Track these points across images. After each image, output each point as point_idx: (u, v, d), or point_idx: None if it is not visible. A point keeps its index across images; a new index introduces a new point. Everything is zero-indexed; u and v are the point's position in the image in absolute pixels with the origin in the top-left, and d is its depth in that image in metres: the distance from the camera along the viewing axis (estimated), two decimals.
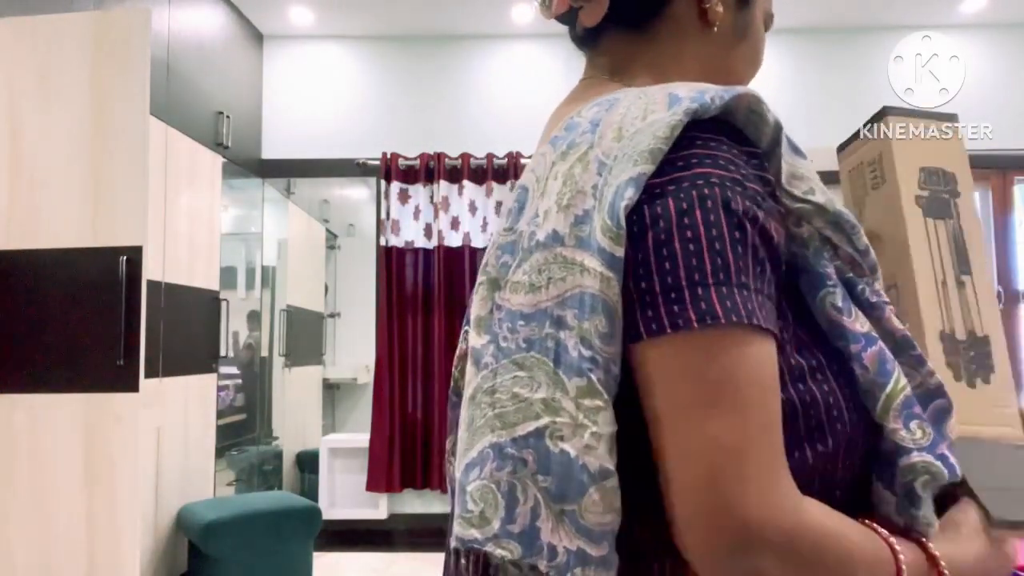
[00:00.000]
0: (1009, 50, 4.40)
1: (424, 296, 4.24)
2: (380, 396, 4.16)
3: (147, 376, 2.49)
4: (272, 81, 4.51)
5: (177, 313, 3.16)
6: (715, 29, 0.66)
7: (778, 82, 4.36)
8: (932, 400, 0.58)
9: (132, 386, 2.37)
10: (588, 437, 0.50)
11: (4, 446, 2.39)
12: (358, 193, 5.24)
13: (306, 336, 4.89)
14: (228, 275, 3.83)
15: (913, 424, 0.55)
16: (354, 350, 5.02)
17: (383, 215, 4.24)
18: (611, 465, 0.50)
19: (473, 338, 0.59)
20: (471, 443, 0.56)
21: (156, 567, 3.00)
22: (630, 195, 0.50)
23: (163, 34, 3.34)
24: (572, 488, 0.50)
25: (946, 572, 0.53)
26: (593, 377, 0.51)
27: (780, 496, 0.47)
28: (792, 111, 4.34)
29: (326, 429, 4.97)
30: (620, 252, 0.51)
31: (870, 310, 0.58)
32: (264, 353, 4.55)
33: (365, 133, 4.45)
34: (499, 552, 0.53)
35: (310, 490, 4.49)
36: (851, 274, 0.58)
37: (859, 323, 0.56)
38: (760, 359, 0.49)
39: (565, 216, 0.54)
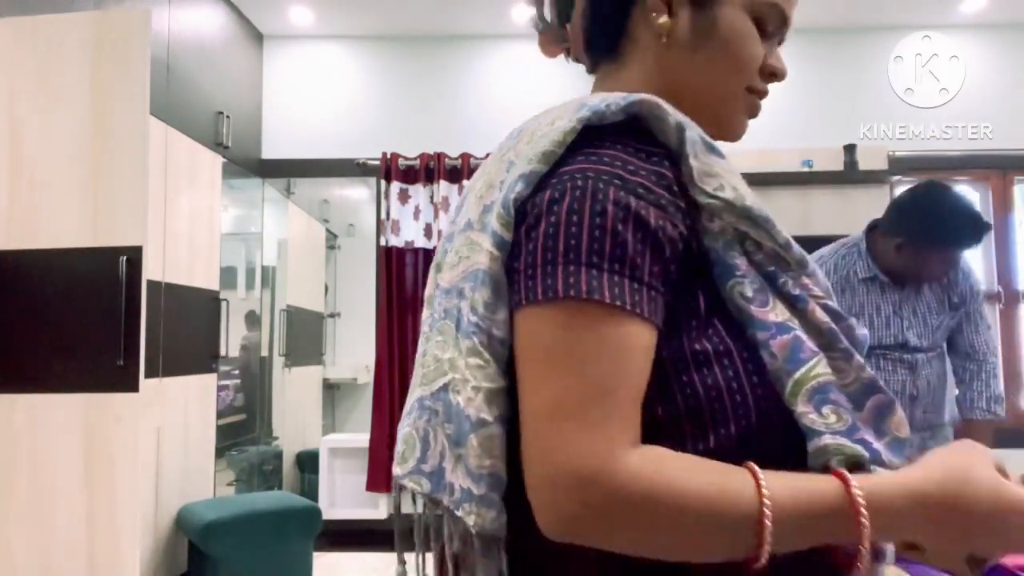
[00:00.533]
0: (1009, 50, 4.40)
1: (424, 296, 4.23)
2: (380, 396, 4.16)
3: (147, 376, 2.49)
4: (272, 81, 4.51)
5: (177, 313, 3.16)
6: (663, 40, 0.69)
7: (780, 82, 4.36)
8: (870, 395, 0.60)
9: (132, 386, 2.37)
10: (470, 390, 0.58)
11: (4, 446, 2.39)
12: (358, 193, 5.24)
13: (306, 336, 4.89)
14: (228, 275, 3.83)
15: (826, 409, 0.57)
16: (354, 350, 5.02)
17: (383, 215, 4.24)
18: (489, 416, 0.57)
19: (424, 314, 0.70)
20: (409, 398, 0.67)
21: (156, 567, 3.00)
22: (519, 189, 0.58)
23: (163, 34, 3.34)
24: (462, 434, 0.59)
25: (858, 497, 0.52)
26: (476, 340, 0.58)
27: (604, 453, 0.51)
28: (792, 111, 4.34)
29: (326, 429, 4.97)
30: (508, 236, 0.58)
31: (794, 303, 0.60)
32: (264, 353, 4.55)
33: (365, 133, 4.45)
34: (412, 486, 0.63)
35: (310, 490, 4.49)
36: (773, 268, 0.61)
37: (774, 313, 0.59)
38: (600, 331, 0.53)
39: (477, 206, 0.64)
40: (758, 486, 0.52)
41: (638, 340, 0.54)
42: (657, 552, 0.54)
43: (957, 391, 2.09)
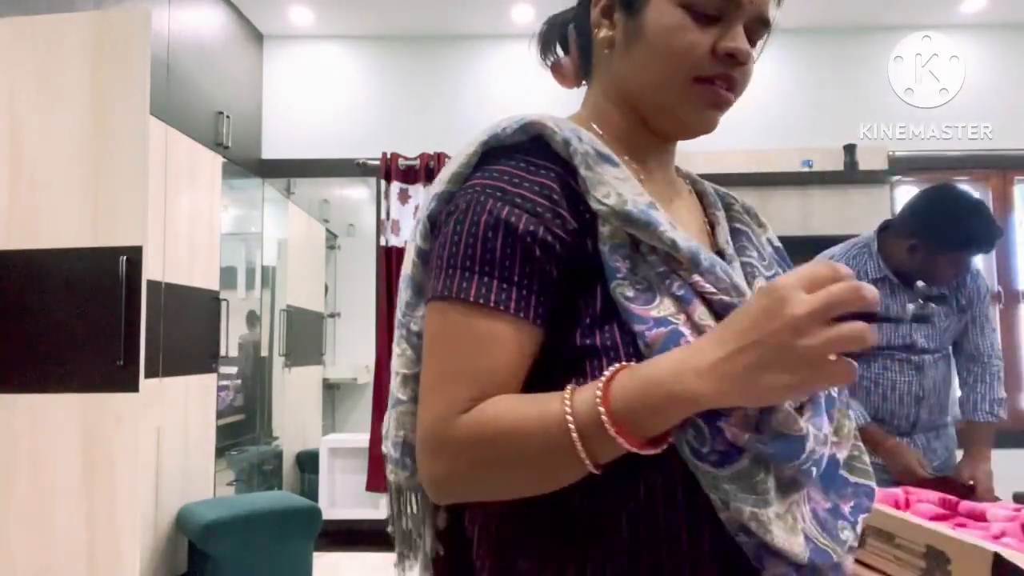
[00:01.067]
0: (1009, 50, 4.40)
1: None
2: (380, 396, 4.15)
3: (147, 376, 2.49)
4: (272, 81, 4.51)
5: (177, 313, 3.16)
6: (607, 52, 0.74)
7: (779, 82, 4.36)
8: None
9: (132, 386, 2.37)
10: (394, 376, 0.73)
11: (4, 446, 2.39)
12: (358, 193, 5.24)
13: (306, 336, 4.89)
14: (228, 275, 3.83)
15: None
16: (354, 350, 5.02)
17: (383, 215, 4.24)
18: (403, 396, 0.73)
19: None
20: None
21: (156, 567, 3.00)
22: (432, 206, 0.70)
23: (163, 34, 3.34)
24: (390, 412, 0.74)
25: (599, 389, 0.57)
26: (399, 333, 0.73)
27: (449, 416, 0.61)
28: (792, 111, 4.34)
29: (326, 429, 4.97)
30: (426, 246, 0.70)
31: (679, 301, 0.64)
32: (264, 353, 4.55)
33: (365, 133, 4.45)
34: (384, 450, 0.76)
35: (310, 490, 4.49)
36: (664, 268, 0.64)
37: (657, 311, 0.62)
38: (465, 323, 0.63)
39: (415, 223, 0.74)
40: (563, 398, 0.58)
41: (497, 330, 0.62)
42: (507, 484, 0.62)
43: (960, 392, 2.10)
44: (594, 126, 0.76)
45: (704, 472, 0.59)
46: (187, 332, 3.27)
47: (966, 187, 4.33)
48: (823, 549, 0.63)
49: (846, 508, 0.69)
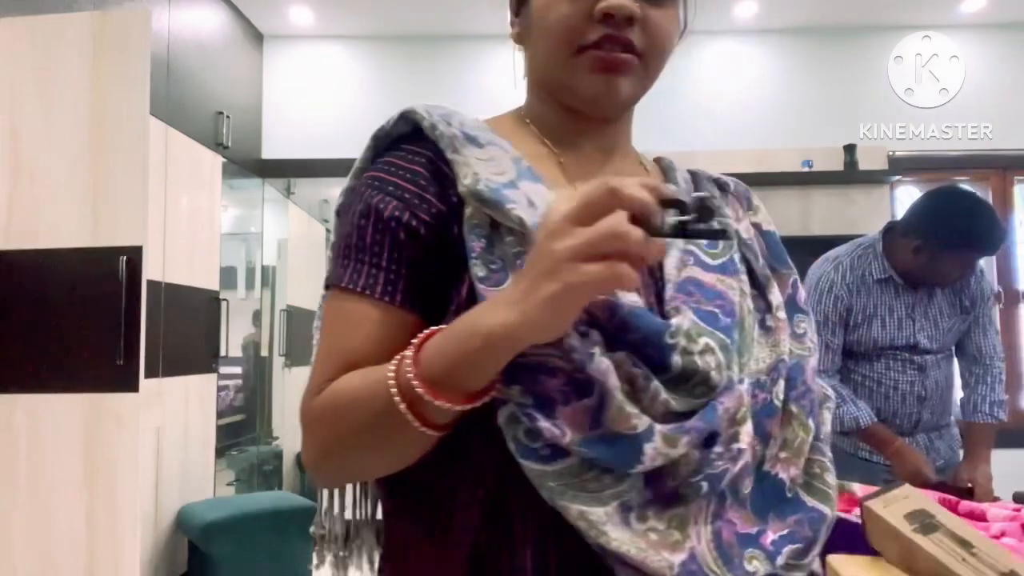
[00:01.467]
0: (1009, 50, 4.39)
1: None
2: None
3: (147, 376, 2.49)
4: (272, 81, 4.51)
5: (177, 313, 3.16)
6: (520, 48, 0.76)
7: (779, 82, 4.36)
8: (589, 385, 0.59)
9: (132, 386, 2.37)
10: None
11: (4, 446, 2.39)
12: None
13: (306, 336, 4.85)
14: (228, 275, 3.82)
15: (515, 387, 0.60)
16: None
17: None
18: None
19: None
20: None
21: (156, 567, 3.00)
22: (339, 200, 0.74)
23: (163, 34, 3.34)
24: None
25: (409, 354, 0.57)
26: (315, 323, 0.76)
27: (311, 395, 0.64)
28: (792, 111, 4.34)
29: None
30: (334, 238, 0.72)
31: None
32: (264, 353, 4.55)
33: (365, 133, 4.38)
34: None
35: (310, 490, 4.49)
36: (518, 248, 0.62)
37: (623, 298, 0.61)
38: (337, 308, 0.66)
39: None
40: (389, 365, 0.58)
41: (364, 313, 0.64)
42: (363, 458, 0.63)
43: (961, 392, 2.10)
44: (527, 121, 0.76)
45: (529, 469, 0.58)
46: (187, 332, 3.27)
47: (969, 188, 4.35)
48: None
49: (772, 535, 0.62)
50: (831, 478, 0.68)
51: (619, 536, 0.56)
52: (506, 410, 0.59)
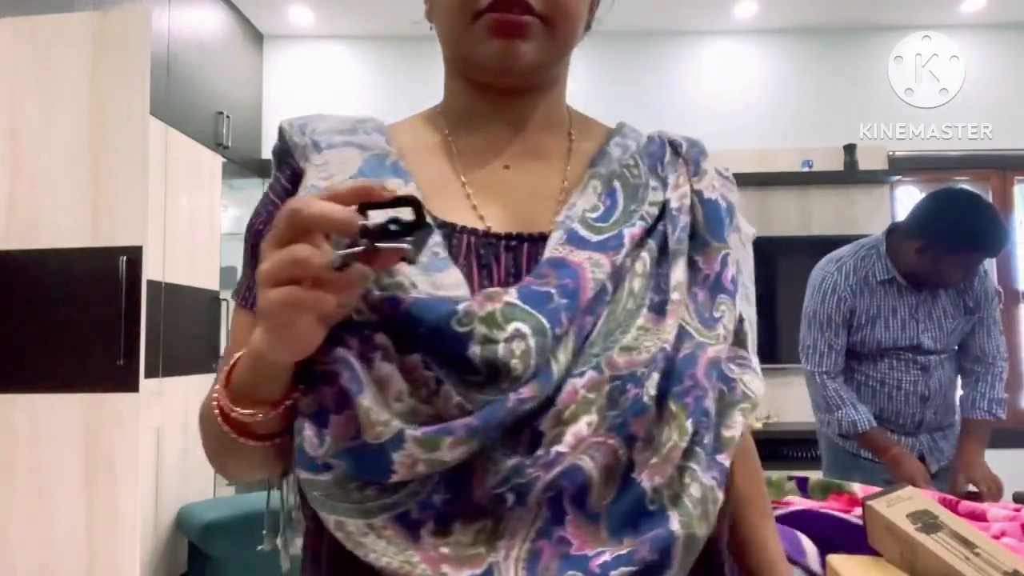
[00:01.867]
0: (1009, 50, 4.39)
1: None
2: None
3: (147, 376, 2.49)
4: (272, 81, 4.51)
5: (177, 313, 3.16)
6: (432, 29, 0.78)
7: (779, 82, 4.36)
8: (329, 385, 0.59)
9: (132, 386, 2.37)
10: None
11: (4, 446, 2.39)
12: None
13: None
14: (228, 275, 3.82)
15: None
16: None
17: None
18: None
19: None
20: None
21: (156, 567, 3.00)
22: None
23: (163, 34, 3.34)
24: None
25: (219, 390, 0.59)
26: None
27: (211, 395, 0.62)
28: (792, 111, 4.34)
29: None
30: None
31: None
32: None
33: None
34: None
35: None
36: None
37: (413, 292, 0.57)
38: (234, 320, 0.70)
39: None
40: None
41: (242, 322, 0.67)
42: (235, 461, 0.64)
43: (961, 391, 2.10)
44: (438, 109, 0.79)
45: (302, 478, 0.56)
46: (187, 332, 3.27)
47: (970, 188, 4.35)
48: None
49: (607, 556, 0.52)
50: (697, 490, 0.55)
51: (379, 548, 0.52)
52: (298, 420, 0.57)
